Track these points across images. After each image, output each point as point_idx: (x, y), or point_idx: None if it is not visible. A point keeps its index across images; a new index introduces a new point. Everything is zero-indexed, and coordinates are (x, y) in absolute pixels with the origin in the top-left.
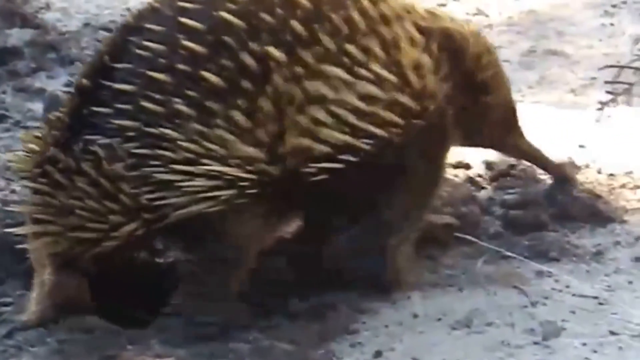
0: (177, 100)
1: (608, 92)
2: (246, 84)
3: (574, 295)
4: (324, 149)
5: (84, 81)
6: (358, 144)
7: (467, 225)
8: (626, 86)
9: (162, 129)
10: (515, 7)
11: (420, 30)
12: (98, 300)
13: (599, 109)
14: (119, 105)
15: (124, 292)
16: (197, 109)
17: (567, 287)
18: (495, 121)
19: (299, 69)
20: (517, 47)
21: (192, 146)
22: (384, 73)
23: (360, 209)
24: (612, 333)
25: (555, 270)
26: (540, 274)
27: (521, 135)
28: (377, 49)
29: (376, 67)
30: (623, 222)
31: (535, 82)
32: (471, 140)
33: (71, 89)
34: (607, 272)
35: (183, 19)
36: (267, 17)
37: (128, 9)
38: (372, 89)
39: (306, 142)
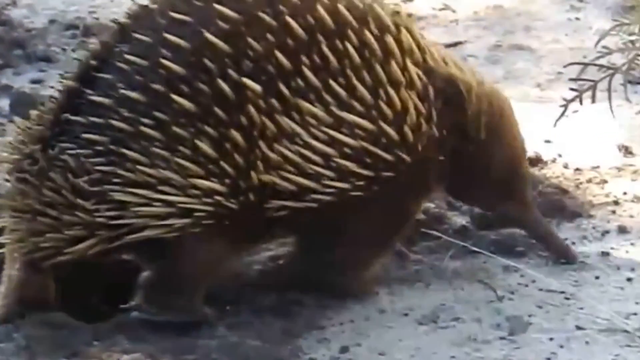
0: (145, 121)
1: (572, 89)
2: (220, 112)
3: (540, 290)
4: (289, 187)
5: (71, 83)
6: (318, 195)
7: (434, 221)
8: (590, 83)
9: (125, 149)
10: (481, 2)
11: (426, 71)
12: (63, 296)
13: (563, 106)
14: (93, 118)
15: (88, 286)
16: (164, 133)
17: (534, 281)
18: (492, 186)
19: (275, 102)
20: (483, 42)
21: (151, 170)
22: (361, 122)
23: (321, 242)
24: (579, 328)
25: (522, 265)
26: (506, 268)
27: (526, 208)
28: (363, 90)
29: (353, 116)
30: (590, 216)
31: (501, 76)
32: (462, 198)
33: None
34: (574, 267)
35: (168, 35)
36: (254, 43)
37: (118, 7)
38: (344, 138)
39: (272, 178)
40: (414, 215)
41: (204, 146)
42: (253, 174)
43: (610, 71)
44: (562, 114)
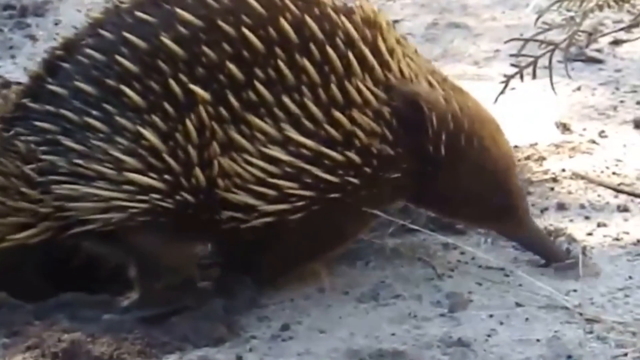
0: (94, 113)
1: (513, 65)
2: (169, 108)
3: (480, 267)
4: (237, 199)
5: (39, 69)
6: (260, 215)
7: None
8: (530, 59)
9: (69, 140)
10: None
11: (386, 89)
12: (2, 274)
13: (503, 82)
14: (48, 106)
15: (28, 265)
16: (109, 125)
17: (473, 259)
18: (476, 207)
19: (224, 112)
20: (420, 20)
21: (88, 164)
22: (307, 142)
23: (251, 247)
24: (519, 304)
25: (461, 243)
26: (446, 246)
27: (518, 227)
28: (315, 109)
29: (300, 135)
30: (528, 193)
31: (439, 55)
32: (441, 214)
33: None
34: (513, 244)
35: (127, 34)
36: (209, 52)
37: None
38: (287, 157)
39: (225, 184)
40: (360, 232)
41: (150, 135)
42: (198, 172)
43: (551, 47)
44: (503, 90)
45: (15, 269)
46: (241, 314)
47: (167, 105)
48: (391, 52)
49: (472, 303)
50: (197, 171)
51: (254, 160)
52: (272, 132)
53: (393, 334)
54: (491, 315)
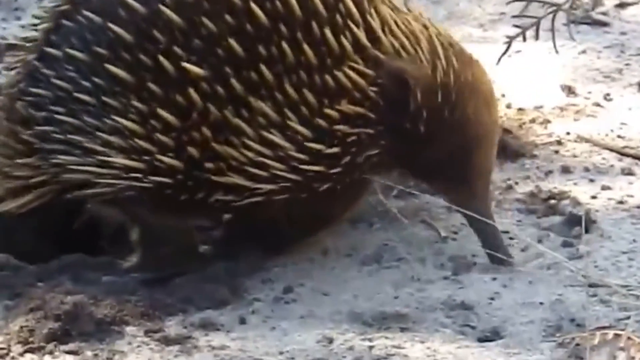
0: (84, 83)
1: (515, 26)
2: (154, 87)
3: None
4: (226, 180)
5: (45, 25)
6: (251, 195)
7: None
8: (534, 20)
9: (60, 109)
10: None
11: (376, 65)
12: (5, 236)
13: (506, 43)
14: (45, 70)
15: (31, 227)
16: (97, 99)
17: None
18: (437, 171)
19: (222, 91)
20: None
21: (78, 137)
22: (299, 128)
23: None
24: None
25: None
26: (449, 209)
27: (470, 200)
28: (310, 96)
29: (295, 124)
30: (533, 156)
31: (444, 17)
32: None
33: None
34: (517, 207)
35: None
36: (209, 24)
37: None
38: (285, 144)
39: (212, 166)
40: (357, 201)
41: (127, 123)
42: (167, 158)
43: (553, 8)
44: (506, 51)
45: (18, 232)
46: (244, 277)
47: (153, 84)
48: (383, 24)
49: (475, 266)
50: (172, 156)
51: (252, 144)
52: (272, 115)
53: (396, 297)
54: (494, 278)
